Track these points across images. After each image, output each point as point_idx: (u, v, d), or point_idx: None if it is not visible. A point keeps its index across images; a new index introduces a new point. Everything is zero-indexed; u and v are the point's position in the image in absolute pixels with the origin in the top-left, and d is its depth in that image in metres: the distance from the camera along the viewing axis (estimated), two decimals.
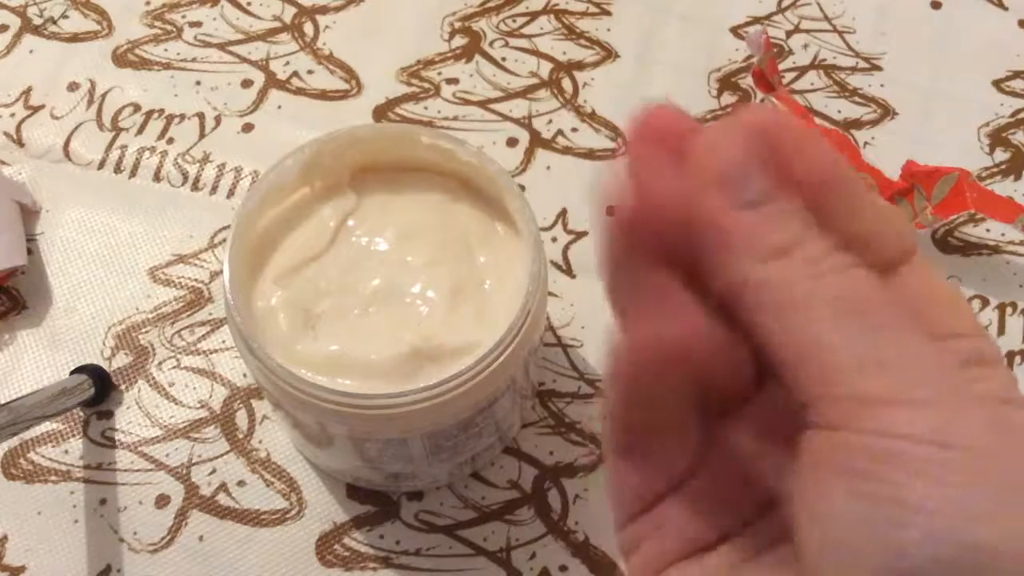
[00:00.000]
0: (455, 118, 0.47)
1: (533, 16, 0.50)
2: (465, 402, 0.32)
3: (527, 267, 0.32)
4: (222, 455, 0.40)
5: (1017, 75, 0.49)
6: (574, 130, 0.47)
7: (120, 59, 0.49)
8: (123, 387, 0.41)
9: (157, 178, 0.46)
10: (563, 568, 0.38)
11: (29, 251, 0.44)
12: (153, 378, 0.41)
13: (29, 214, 0.45)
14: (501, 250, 0.35)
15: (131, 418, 0.41)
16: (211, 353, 0.42)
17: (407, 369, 0.32)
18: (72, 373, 0.41)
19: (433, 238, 0.35)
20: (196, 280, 0.44)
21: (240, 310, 0.31)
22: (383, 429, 0.32)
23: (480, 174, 0.35)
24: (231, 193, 0.45)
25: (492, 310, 0.33)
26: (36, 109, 0.48)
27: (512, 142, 0.47)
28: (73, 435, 0.40)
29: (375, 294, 0.34)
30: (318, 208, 0.36)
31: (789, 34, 0.50)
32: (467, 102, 0.48)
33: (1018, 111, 0.48)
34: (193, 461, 0.40)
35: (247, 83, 0.48)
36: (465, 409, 0.32)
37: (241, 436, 0.40)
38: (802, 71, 0.49)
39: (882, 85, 0.49)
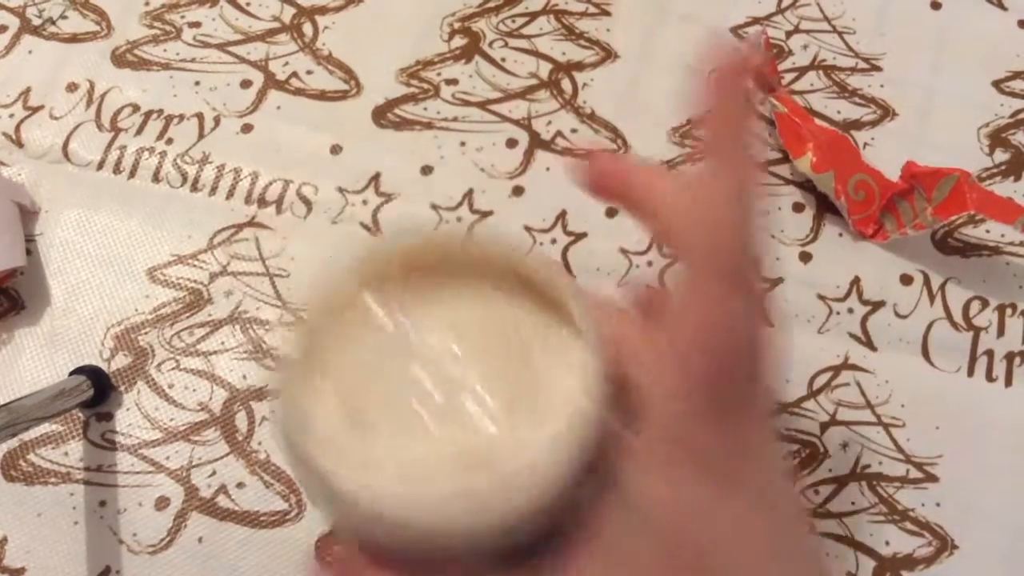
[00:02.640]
0: (455, 119, 0.47)
1: (532, 16, 0.50)
2: (515, 515, 0.30)
3: (586, 378, 0.29)
4: (222, 457, 0.40)
5: (1017, 75, 0.49)
6: (574, 131, 0.47)
7: (119, 59, 0.49)
8: (122, 388, 0.41)
9: (156, 179, 0.46)
10: None
11: (28, 252, 0.44)
12: (152, 380, 0.41)
13: (28, 215, 0.45)
14: (561, 355, 0.32)
15: (131, 420, 0.41)
16: (211, 355, 0.42)
17: (459, 480, 0.30)
18: (71, 374, 0.41)
19: (488, 341, 0.33)
20: (195, 281, 0.43)
21: (310, 452, 0.29)
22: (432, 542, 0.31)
23: (537, 276, 0.33)
24: (230, 194, 0.45)
25: (549, 419, 0.31)
26: (35, 110, 0.47)
27: (512, 143, 0.47)
28: (73, 437, 0.40)
29: (427, 400, 0.32)
30: (369, 311, 0.34)
31: (789, 35, 0.50)
32: (467, 103, 0.48)
33: (1018, 111, 0.48)
34: (193, 464, 0.40)
35: (246, 83, 0.48)
36: (513, 519, 0.31)
37: (240, 438, 0.40)
38: (802, 72, 0.49)
39: (882, 86, 0.49)
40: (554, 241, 0.44)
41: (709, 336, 0.23)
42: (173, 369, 0.42)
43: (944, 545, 0.39)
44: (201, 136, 0.47)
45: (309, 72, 0.49)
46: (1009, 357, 0.42)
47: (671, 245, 0.26)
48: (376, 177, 0.46)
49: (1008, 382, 0.42)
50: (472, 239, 0.33)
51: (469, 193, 0.45)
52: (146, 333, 0.42)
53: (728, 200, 0.24)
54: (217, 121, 0.47)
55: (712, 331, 0.23)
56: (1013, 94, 0.49)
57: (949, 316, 0.43)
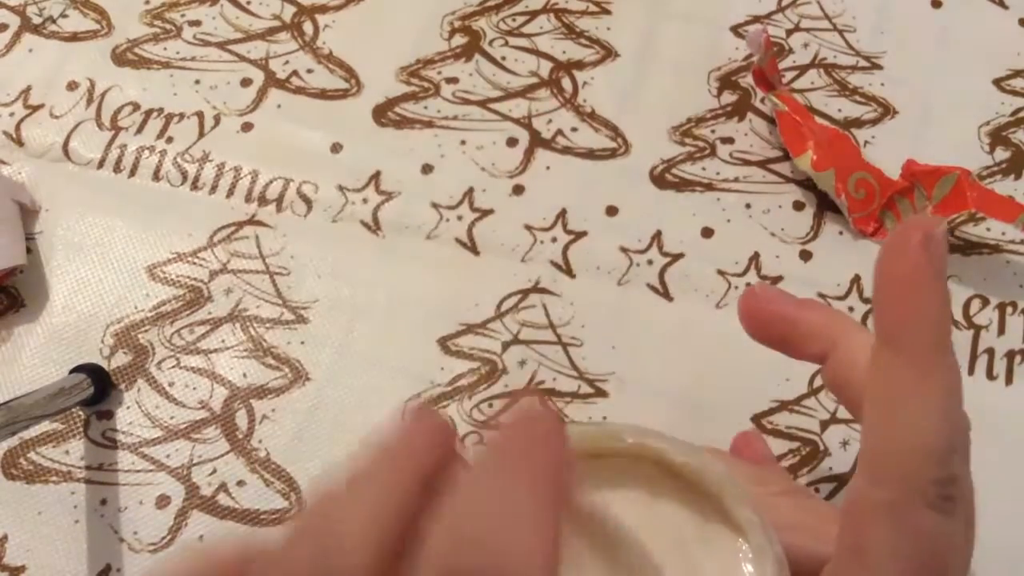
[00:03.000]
0: (455, 117, 0.47)
1: (533, 15, 0.50)
2: None
3: None
4: (222, 455, 0.40)
5: (1017, 74, 0.49)
6: (574, 130, 0.47)
7: (119, 58, 0.49)
8: (123, 386, 0.41)
9: (156, 177, 0.46)
10: None
11: (28, 250, 0.44)
12: (153, 378, 0.42)
13: (28, 213, 0.45)
14: (724, 555, 0.28)
15: (132, 418, 0.41)
16: (211, 353, 0.42)
17: None
18: (71, 372, 0.41)
19: (644, 547, 0.28)
20: (195, 279, 0.43)
21: None
22: None
23: (686, 468, 0.29)
24: (230, 192, 0.45)
25: None
26: (35, 108, 0.47)
27: (512, 142, 0.47)
28: (74, 435, 0.40)
29: None
30: None
31: (789, 33, 0.50)
32: (467, 101, 0.48)
33: (1018, 110, 0.48)
34: (194, 462, 0.40)
35: (246, 82, 0.48)
36: None
37: (241, 436, 0.40)
38: (802, 70, 0.49)
39: (882, 84, 0.49)
40: (554, 240, 0.44)
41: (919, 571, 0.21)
42: (173, 367, 0.42)
43: None
44: (201, 135, 0.47)
45: (309, 71, 0.49)
46: (1009, 355, 0.42)
47: (848, 410, 0.25)
48: (376, 175, 0.46)
49: (1009, 380, 0.42)
50: (613, 430, 0.29)
51: (469, 192, 0.45)
52: (146, 331, 0.42)
53: (938, 418, 0.21)
54: (217, 120, 0.47)
55: (924, 571, 0.21)
56: (1014, 92, 0.49)
57: None
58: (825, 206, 0.45)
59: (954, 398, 0.21)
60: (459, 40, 0.49)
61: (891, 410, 0.21)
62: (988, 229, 0.45)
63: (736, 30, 0.50)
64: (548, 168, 0.46)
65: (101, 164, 0.46)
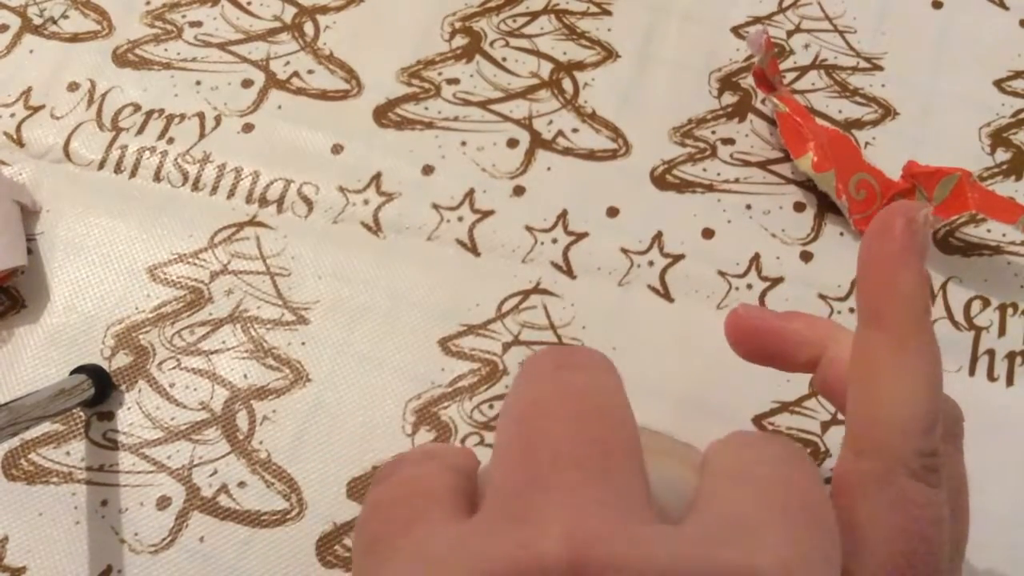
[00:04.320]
0: (455, 119, 0.47)
1: (534, 16, 0.50)
2: None
3: None
4: (223, 456, 0.40)
5: (1018, 75, 0.49)
6: (575, 131, 0.47)
7: (120, 59, 0.49)
8: (123, 387, 0.41)
9: (157, 178, 0.46)
10: None
11: (29, 251, 0.44)
12: (154, 379, 0.42)
13: (29, 214, 0.45)
14: None
15: (132, 419, 0.41)
16: (211, 354, 0.42)
17: None
18: (72, 373, 0.41)
19: None
20: (196, 280, 0.44)
21: None
22: None
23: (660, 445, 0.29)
24: (231, 193, 0.45)
25: None
26: (36, 109, 0.47)
27: (512, 143, 0.47)
28: (74, 436, 0.40)
29: None
30: None
31: (790, 34, 0.50)
32: (467, 102, 0.48)
33: (1019, 111, 0.48)
34: (194, 463, 0.40)
35: (247, 83, 0.48)
36: None
37: (242, 437, 0.40)
38: (803, 71, 0.49)
39: (883, 85, 0.49)
40: (555, 241, 0.44)
41: (909, 547, 0.20)
42: (174, 368, 0.42)
43: None
44: (202, 136, 0.47)
45: (310, 71, 0.49)
46: (1010, 356, 0.42)
47: (843, 412, 0.24)
48: (377, 176, 0.46)
49: (1010, 381, 0.42)
50: None
51: (470, 193, 0.45)
52: (147, 332, 0.42)
53: (918, 389, 0.21)
54: (218, 121, 0.47)
55: (911, 541, 0.21)
56: (1014, 93, 0.49)
57: (950, 315, 0.43)
58: (826, 207, 0.45)
59: (933, 370, 0.21)
60: (460, 41, 0.49)
61: (871, 383, 0.21)
62: (989, 231, 0.45)
63: (737, 31, 0.50)
64: (549, 169, 0.46)
65: (102, 165, 0.46)
